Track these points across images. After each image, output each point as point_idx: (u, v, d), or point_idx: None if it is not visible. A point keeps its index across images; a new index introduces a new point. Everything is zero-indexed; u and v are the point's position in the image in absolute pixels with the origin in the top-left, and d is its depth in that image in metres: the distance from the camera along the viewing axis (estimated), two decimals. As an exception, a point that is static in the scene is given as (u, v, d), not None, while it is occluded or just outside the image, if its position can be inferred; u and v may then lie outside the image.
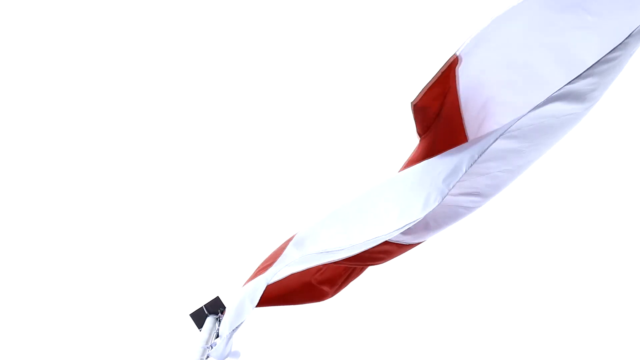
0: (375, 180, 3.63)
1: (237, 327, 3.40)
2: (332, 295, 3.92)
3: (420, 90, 3.35)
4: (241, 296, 3.49)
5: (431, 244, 4.18)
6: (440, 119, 3.44)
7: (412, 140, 3.72)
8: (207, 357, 3.37)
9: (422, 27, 6.18)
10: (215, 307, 3.77)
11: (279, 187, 5.50)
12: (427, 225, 3.65)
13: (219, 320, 3.73)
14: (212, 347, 3.50)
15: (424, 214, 3.17)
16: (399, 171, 3.63)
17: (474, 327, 5.46)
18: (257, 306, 3.54)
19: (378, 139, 5.71)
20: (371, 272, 3.96)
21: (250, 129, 6.13)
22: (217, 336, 3.58)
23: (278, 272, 3.48)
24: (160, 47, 6.38)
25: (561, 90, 2.99)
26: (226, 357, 3.43)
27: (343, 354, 5.34)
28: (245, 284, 3.63)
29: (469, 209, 3.63)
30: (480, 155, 3.08)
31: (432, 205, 3.16)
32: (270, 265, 3.61)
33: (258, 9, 6.43)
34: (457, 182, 3.13)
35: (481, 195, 3.53)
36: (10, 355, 5.24)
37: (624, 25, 2.96)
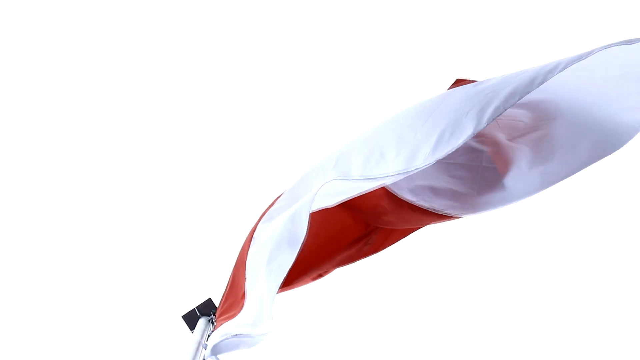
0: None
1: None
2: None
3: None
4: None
5: (430, 243, 4.16)
6: None
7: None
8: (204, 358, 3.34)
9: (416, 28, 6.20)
10: (208, 309, 3.76)
11: (271, 190, 5.48)
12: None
13: (212, 322, 3.72)
14: (205, 348, 3.46)
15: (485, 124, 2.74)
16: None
17: (474, 328, 5.47)
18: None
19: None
20: (371, 270, 3.95)
21: (245, 130, 6.11)
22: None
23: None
24: (142, 45, 6.34)
25: None
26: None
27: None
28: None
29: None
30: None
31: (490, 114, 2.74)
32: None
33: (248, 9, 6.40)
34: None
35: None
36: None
37: None
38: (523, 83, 2.74)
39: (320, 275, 3.97)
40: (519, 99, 2.70)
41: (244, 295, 3.37)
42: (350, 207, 3.74)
